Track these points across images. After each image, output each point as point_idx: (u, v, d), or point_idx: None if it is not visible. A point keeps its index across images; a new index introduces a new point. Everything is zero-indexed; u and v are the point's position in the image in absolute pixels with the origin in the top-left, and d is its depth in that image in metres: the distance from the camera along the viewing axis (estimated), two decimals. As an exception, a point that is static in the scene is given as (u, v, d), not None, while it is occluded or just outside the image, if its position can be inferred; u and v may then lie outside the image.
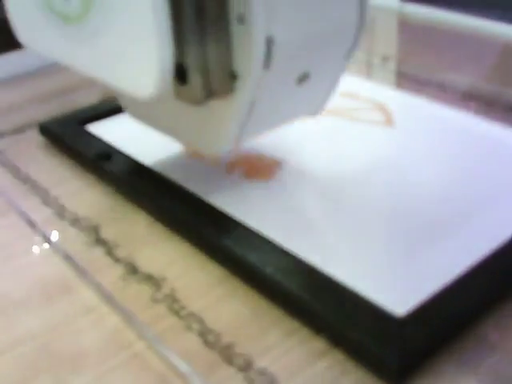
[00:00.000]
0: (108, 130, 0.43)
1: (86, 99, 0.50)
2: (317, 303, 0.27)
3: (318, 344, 0.27)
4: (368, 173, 0.37)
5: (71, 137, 0.43)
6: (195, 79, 0.28)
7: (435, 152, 0.39)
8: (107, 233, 0.35)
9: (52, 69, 0.58)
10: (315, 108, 0.35)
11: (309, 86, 0.32)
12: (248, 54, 0.28)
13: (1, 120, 0.49)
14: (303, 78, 0.31)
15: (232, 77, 0.28)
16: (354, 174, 0.37)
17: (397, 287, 0.28)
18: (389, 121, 0.43)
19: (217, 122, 0.31)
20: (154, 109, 0.36)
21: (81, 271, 0.32)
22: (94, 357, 0.27)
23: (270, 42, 0.27)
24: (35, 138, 0.45)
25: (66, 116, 0.46)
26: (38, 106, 0.51)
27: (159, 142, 0.42)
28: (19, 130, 0.47)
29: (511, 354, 0.26)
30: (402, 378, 0.25)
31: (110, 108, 0.46)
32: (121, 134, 0.43)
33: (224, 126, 0.31)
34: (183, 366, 0.26)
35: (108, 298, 0.30)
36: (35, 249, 0.34)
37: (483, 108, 0.45)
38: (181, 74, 0.28)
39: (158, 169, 0.38)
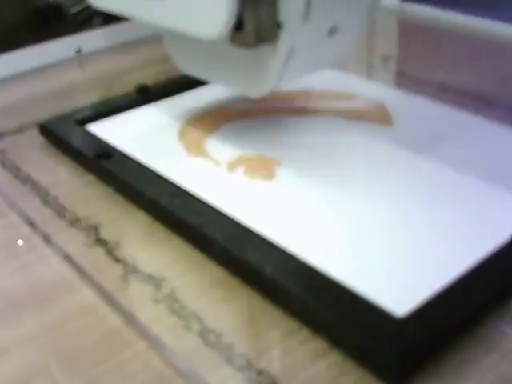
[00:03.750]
0: (108, 130, 0.43)
1: (86, 99, 0.50)
2: (317, 303, 0.27)
3: (318, 344, 0.27)
4: (368, 173, 0.37)
5: (71, 137, 0.43)
6: (249, 26, 0.33)
7: (435, 152, 0.39)
8: (107, 233, 0.35)
9: (52, 69, 0.58)
10: (341, 59, 0.41)
11: (336, 39, 0.38)
12: (292, 6, 0.34)
13: (1, 120, 0.49)
14: (332, 31, 0.37)
15: (278, 26, 0.34)
16: (354, 174, 0.37)
17: (397, 287, 0.28)
18: (389, 121, 0.43)
19: (262, 66, 0.37)
20: (202, 58, 0.41)
21: (81, 271, 0.32)
22: (94, 357, 0.27)
23: None
24: (35, 137, 0.45)
25: (66, 116, 0.46)
26: (38, 106, 0.51)
27: (159, 141, 0.42)
28: (19, 130, 0.47)
29: (511, 354, 0.26)
30: (401, 378, 0.25)
31: (110, 108, 0.46)
32: (121, 133, 0.43)
33: (268, 69, 0.36)
34: (183, 366, 0.26)
35: (108, 298, 0.30)
36: (35, 249, 0.34)
37: (483, 108, 0.45)
38: (237, 22, 0.33)
39: (157, 169, 0.38)
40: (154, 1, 0.36)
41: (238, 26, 0.34)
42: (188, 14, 0.34)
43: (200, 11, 0.33)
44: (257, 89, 0.38)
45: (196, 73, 0.43)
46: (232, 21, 0.32)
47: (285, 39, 0.34)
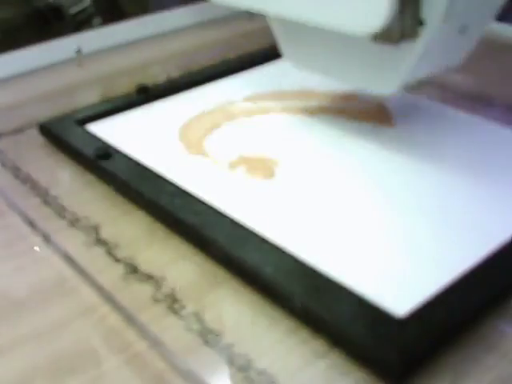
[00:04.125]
0: (108, 130, 0.43)
1: (86, 99, 0.50)
2: (317, 303, 0.27)
3: (318, 344, 0.27)
4: (368, 173, 0.37)
5: (71, 137, 0.43)
6: (395, 23, 0.33)
7: (435, 152, 0.39)
8: (107, 233, 0.35)
9: (52, 69, 0.58)
10: (460, 57, 0.40)
11: (465, 36, 0.38)
12: (436, 5, 0.33)
13: (1, 120, 0.49)
14: (463, 29, 0.37)
15: (420, 23, 0.34)
16: (354, 173, 0.37)
17: (397, 287, 0.28)
18: (389, 121, 0.43)
19: (396, 63, 0.36)
20: (324, 55, 0.41)
21: (81, 271, 0.32)
22: (93, 357, 0.27)
23: None
24: (35, 137, 0.45)
25: (66, 116, 0.46)
26: (38, 106, 0.51)
27: (159, 141, 0.42)
28: (19, 130, 0.47)
29: (511, 354, 0.26)
30: (401, 378, 0.25)
31: (110, 108, 0.46)
32: (121, 133, 0.43)
33: (403, 66, 0.36)
34: (183, 366, 0.26)
35: (108, 298, 0.30)
36: (35, 249, 0.34)
37: (483, 108, 0.45)
38: None
39: (157, 168, 0.38)
40: None
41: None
42: (342, 9, 0.34)
43: (359, 7, 0.33)
44: (387, 86, 0.38)
45: (311, 67, 0.42)
46: (390, 18, 0.32)
47: (425, 36, 0.35)
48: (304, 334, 0.27)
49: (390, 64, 0.37)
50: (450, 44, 0.38)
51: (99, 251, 0.33)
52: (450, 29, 0.36)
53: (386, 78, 0.37)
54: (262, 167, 0.38)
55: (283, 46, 0.43)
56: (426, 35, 0.34)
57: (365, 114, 0.44)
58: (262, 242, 0.31)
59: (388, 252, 0.31)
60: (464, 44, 0.38)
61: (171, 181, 0.37)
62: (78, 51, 0.60)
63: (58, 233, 0.35)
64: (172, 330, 0.28)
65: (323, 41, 0.39)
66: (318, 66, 0.42)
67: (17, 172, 0.41)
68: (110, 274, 0.32)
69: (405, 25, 0.34)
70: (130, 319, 0.29)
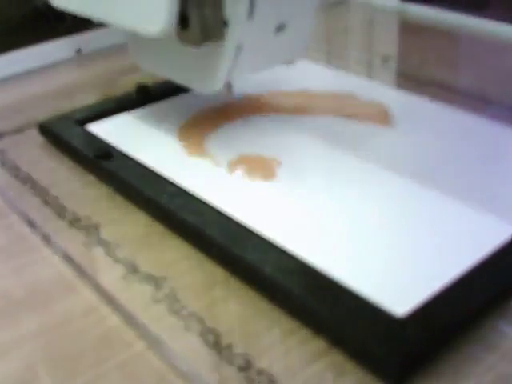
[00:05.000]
0: (108, 130, 0.43)
1: (86, 99, 0.50)
2: (317, 303, 0.27)
3: (318, 344, 0.27)
4: (368, 173, 0.37)
5: (71, 137, 0.43)
6: (195, 25, 0.34)
7: (435, 152, 0.39)
8: (107, 233, 0.35)
9: (52, 69, 0.58)
10: (292, 55, 0.42)
11: (285, 36, 0.39)
12: (236, 5, 0.35)
13: (1, 120, 0.49)
14: (280, 28, 0.38)
15: (224, 24, 0.35)
16: (354, 173, 0.37)
17: (397, 287, 0.28)
18: (389, 121, 0.43)
19: (210, 64, 0.38)
20: (159, 56, 0.42)
21: (81, 271, 0.32)
22: (93, 357, 0.27)
23: None
24: (35, 138, 0.45)
25: (66, 116, 0.46)
26: (38, 106, 0.51)
27: (159, 141, 0.42)
28: (19, 129, 0.47)
29: (511, 354, 0.26)
30: (401, 378, 0.25)
31: (109, 108, 0.46)
32: (121, 133, 0.43)
33: (216, 67, 0.37)
34: (183, 366, 0.26)
35: (108, 298, 0.30)
36: (35, 249, 0.34)
37: (483, 108, 0.45)
38: (183, 21, 0.35)
39: (157, 169, 0.38)
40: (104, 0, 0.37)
41: (185, 25, 0.35)
42: (133, 12, 0.36)
43: (143, 9, 0.35)
44: (208, 85, 0.39)
45: (155, 70, 0.44)
46: (174, 18, 0.34)
47: (231, 37, 0.36)
48: (304, 333, 0.27)
49: (206, 64, 0.38)
50: (271, 44, 0.39)
51: (99, 251, 0.33)
52: (264, 28, 0.38)
53: (206, 77, 0.39)
54: (262, 167, 0.38)
55: (130, 47, 0.44)
56: (233, 36, 0.36)
57: (365, 114, 0.44)
58: (262, 241, 0.31)
59: (388, 252, 0.31)
60: (288, 42, 0.40)
61: (171, 181, 0.37)
62: (78, 51, 0.60)
63: (58, 233, 0.35)
64: (172, 330, 0.28)
65: (160, 43, 0.40)
66: (156, 67, 0.44)
67: (17, 172, 0.41)
68: (110, 274, 0.32)
69: (207, 26, 0.35)
70: (130, 319, 0.29)
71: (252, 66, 0.40)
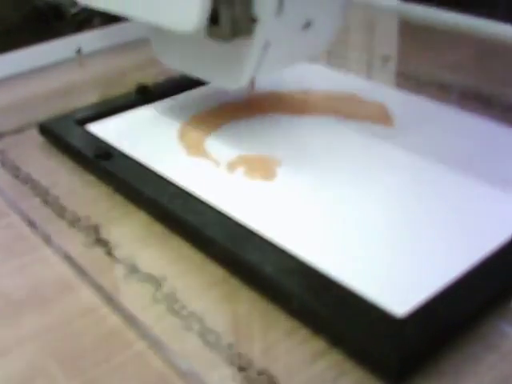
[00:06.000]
0: (108, 130, 0.43)
1: (86, 99, 0.50)
2: (317, 303, 0.27)
3: (318, 344, 0.27)
4: (368, 173, 0.37)
5: (71, 137, 0.43)
6: (225, 21, 0.35)
7: (435, 152, 0.39)
8: (107, 233, 0.35)
9: (52, 69, 0.58)
10: (315, 52, 0.42)
11: (310, 32, 0.39)
12: (265, 1, 0.35)
13: (1, 120, 0.49)
14: (307, 25, 0.38)
15: (252, 20, 0.35)
16: (354, 173, 0.37)
17: (397, 287, 0.28)
18: (389, 121, 0.43)
19: (237, 60, 0.38)
20: (184, 52, 0.42)
21: (81, 271, 0.32)
22: (94, 357, 0.27)
23: None
24: (35, 138, 0.45)
25: (66, 116, 0.46)
26: (38, 106, 0.51)
27: (159, 141, 0.42)
28: (19, 129, 0.47)
29: (511, 354, 0.26)
30: (401, 378, 0.25)
31: (109, 108, 0.46)
32: (121, 133, 0.43)
33: (243, 63, 0.37)
34: (183, 366, 0.26)
35: (108, 298, 0.30)
36: (35, 249, 0.34)
37: (483, 108, 0.45)
38: (213, 17, 0.35)
39: (157, 169, 0.38)
40: None
41: (215, 20, 0.35)
42: (165, 8, 0.36)
43: (176, 5, 0.35)
44: (233, 81, 0.39)
45: (179, 66, 0.44)
46: (206, 14, 0.34)
47: (260, 33, 0.36)
48: (304, 333, 0.27)
49: (233, 60, 0.38)
50: (296, 40, 0.39)
51: (99, 251, 0.33)
52: (291, 25, 0.37)
53: (231, 73, 0.39)
54: (262, 167, 0.38)
55: (154, 43, 0.44)
56: (261, 32, 0.36)
57: (365, 114, 0.44)
58: (262, 241, 0.31)
59: (388, 252, 0.31)
60: (313, 39, 0.40)
61: (171, 181, 0.37)
62: (78, 51, 0.60)
63: (58, 233, 0.35)
64: (172, 330, 0.28)
65: (185, 40, 0.41)
66: (179, 63, 0.44)
67: (17, 172, 0.41)
68: (110, 274, 0.32)
69: (237, 21, 0.35)
70: (130, 319, 0.29)
71: (277, 62, 0.40)
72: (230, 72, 0.39)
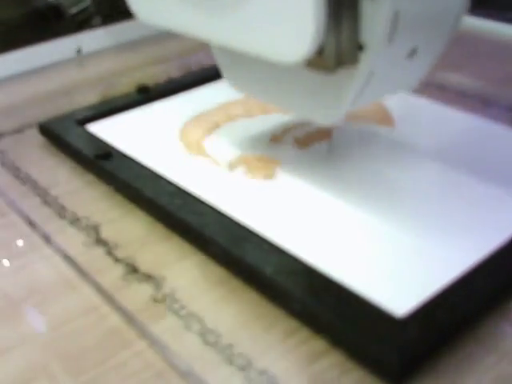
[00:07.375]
0: (108, 130, 0.43)
1: (86, 99, 0.50)
2: (317, 303, 0.27)
3: (318, 344, 0.27)
4: (368, 173, 0.37)
5: (71, 137, 0.43)
6: (329, 49, 0.30)
7: (435, 152, 0.39)
8: (107, 233, 0.35)
9: (52, 69, 0.58)
10: (413, 81, 0.37)
11: (413, 61, 0.34)
12: (376, 28, 0.30)
13: (1, 120, 0.49)
14: (412, 53, 0.33)
15: (359, 48, 0.31)
16: (354, 174, 0.37)
17: (397, 287, 0.28)
18: (389, 121, 0.43)
19: (338, 91, 0.33)
20: (264, 80, 0.37)
21: (81, 271, 0.32)
22: (94, 357, 0.27)
23: (396, 17, 0.29)
24: (35, 137, 0.45)
25: (66, 116, 0.46)
26: (38, 106, 0.51)
27: (159, 141, 0.42)
28: (19, 129, 0.47)
29: (511, 354, 0.26)
30: (401, 378, 0.25)
31: (110, 108, 0.46)
32: (121, 133, 0.43)
33: (343, 95, 0.33)
34: (183, 366, 0.26)
35: (108, 298, 0.30)
36: (35, 249, 0.34)
37: (483, 108, 0.45)
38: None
39: (157, 168, 0.38)
40: (221, 17, 0.31)
41: (319, 49, 0.30)
42: (265, 36, 0.30)
43: (282, 34, 0.29)
44: (329, 115, 0.35)
45: (258, 96, 0.40)
46: (319, 43, 0.29)
47: (366, 62, 0.31)
48: (304, 333, 0.27)
49: (330, 92, 0.33)
50: (399, 69, 0.34)
51: (99, 251, 0.33)
52: (397, 53, 0.32)
53: (327, 107, 0.34)
54: (262, 167, 0.38)
55: (223, 68, 0.40)
56: (368, 61, 0.31)
57: (365, 114, 0.44)
58: (262, 241, 0.31)
59: (388, 252, 0.31)
60: (415, 69, 0.35)
61: (171, 181, 0.37)
62: (78, 51, 0.60)
63: (58, 233, 0.35)
64: (172, 330, 0.28)
65: (262, 65, 0.35)
66: (258, 91, 0.39)
67: (17, 172, 0.41)
68: (110, 274, 0.32)
69: (342, 50, 0.30)
70: (130, 319, 0.29)
71: (377, 92, 0.35)
72: (324, 105, 0.34)
